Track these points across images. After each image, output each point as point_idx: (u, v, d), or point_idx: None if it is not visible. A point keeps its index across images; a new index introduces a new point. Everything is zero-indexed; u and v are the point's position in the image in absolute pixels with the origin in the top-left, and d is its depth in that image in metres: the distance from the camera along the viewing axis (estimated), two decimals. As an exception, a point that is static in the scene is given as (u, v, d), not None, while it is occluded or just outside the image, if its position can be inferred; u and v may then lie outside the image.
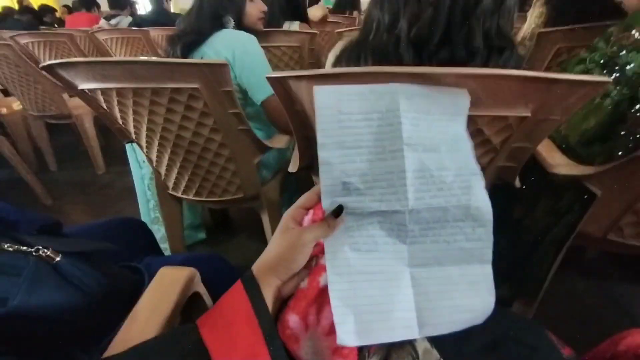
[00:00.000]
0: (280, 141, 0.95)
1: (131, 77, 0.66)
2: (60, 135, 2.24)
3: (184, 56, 0.91)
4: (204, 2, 0.93)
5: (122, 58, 0.64)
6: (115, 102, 0.73)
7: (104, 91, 0.71)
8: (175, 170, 0.89)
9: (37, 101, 1.82)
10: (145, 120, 0.75)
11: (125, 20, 2.99)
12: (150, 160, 0.91)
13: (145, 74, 0.66)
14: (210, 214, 1.44)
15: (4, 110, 1.90)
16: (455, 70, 0.35)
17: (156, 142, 0.81)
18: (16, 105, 1.93)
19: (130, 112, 0.74)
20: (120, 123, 0.83)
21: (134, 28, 2.47)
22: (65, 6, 4.20)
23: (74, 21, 2.93)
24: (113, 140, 2.19)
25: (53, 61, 0.66)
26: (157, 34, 2.43)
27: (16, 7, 3.53)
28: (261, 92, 0.91)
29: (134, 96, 0.69)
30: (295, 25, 1.44)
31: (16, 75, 1.72)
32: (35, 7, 3.44)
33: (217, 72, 0.66)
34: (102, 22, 2.91)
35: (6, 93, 1.99)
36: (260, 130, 1.05)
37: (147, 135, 0.80)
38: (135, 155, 1.07)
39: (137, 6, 3.46)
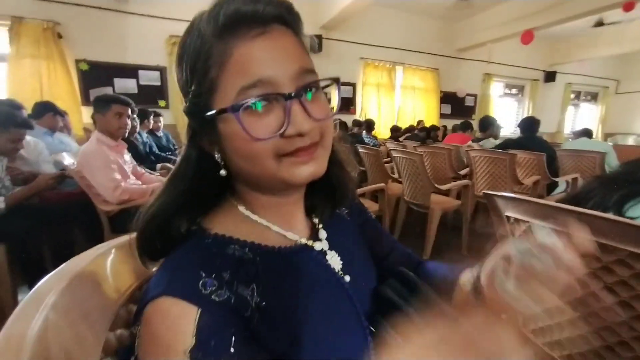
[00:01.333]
0: None
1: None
2: (409, 218, 2.86)
3: (620, 205, 0.83)
4: None
5: (579, 209, 0.67)
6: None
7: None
8: (557, 319, 0.79)
9: (413, 192, 2.47)
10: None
11: (490, 142, 3.43)
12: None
13: (594, 227, 0.65)
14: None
15: (389, 191, 2.76)
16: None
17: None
18: (398, 190, 2.73)
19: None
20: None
21: (499, 150, 2.75)
22: (444, 126, 5.63)
23: (450, 139, 3.80)
24: (445, 234, 2.52)
25: (492, 192, 0.82)
26: (522, 157, 2.57)
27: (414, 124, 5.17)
28: None
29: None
30: None
31: (411, 172, 2.45)
32: (427, 125, 4.87)
33: None
34: (471, 142, 3.53)
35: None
36: None
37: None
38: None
39: (500, 131, 3.89)
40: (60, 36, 3.72)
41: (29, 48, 3.60)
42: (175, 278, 0.32)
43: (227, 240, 0.36)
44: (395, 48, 5.63)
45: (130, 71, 4.12)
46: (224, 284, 0.32)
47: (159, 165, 2.71)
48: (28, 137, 2.10)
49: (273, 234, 0.39)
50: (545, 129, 6.63)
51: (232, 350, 0.29)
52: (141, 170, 2.14)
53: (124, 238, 0.46)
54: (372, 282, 0.47)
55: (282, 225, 0.40)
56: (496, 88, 6.97)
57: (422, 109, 6.15)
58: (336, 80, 0.38)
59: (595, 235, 0.64)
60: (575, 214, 0.65)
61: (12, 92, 3.59)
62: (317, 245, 0.41)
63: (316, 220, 0.45)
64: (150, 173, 2.27)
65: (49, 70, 3.70)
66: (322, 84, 0.37)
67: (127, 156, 1.98)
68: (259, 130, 0.31)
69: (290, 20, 0.35)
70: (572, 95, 7.94)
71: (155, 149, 3.25)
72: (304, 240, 0.40)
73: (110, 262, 0.40)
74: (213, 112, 0.33)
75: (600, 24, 5.35)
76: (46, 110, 2.45)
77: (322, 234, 0.43)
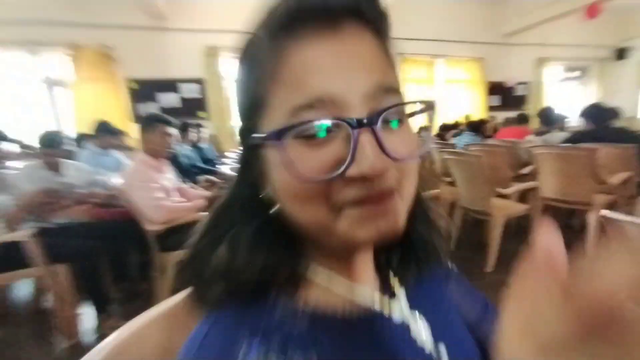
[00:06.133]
0: None
1: None
2: (466, 225, 2.58)
3: None
4: None
5: None
6: None
7: None
8: None
9: (472, 196, 2.21)
10: None
11: (557, 136, 3.00)
12: None
13: None
14: None
15: (444, 195, 2.51)
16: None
17: None
18: (452, 194, 2.47)
19: None
20: None
21: (568, 145, 2.38)
22: (492, 118, 5.15)
23: (505, 133, 3.42)
24: (509, 243, 2.23)
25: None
26: (606, 152, 2.17)
27: (463, 121, 4.77)
28: None
29: None
30: None
31: (467, 175, 2.20)
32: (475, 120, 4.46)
33: None
34: (531, 137, 3.13)
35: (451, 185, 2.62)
36: None
37: None
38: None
39: (566, 121, 3.42)
40: (113, 59, 4.01)
41: (89, 72, 3.94)
42: (206, 343, 0.26)
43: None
44: (435, 40, 5.28)
45: (172, 85, 4.32)
46: (271, 349, 0.25)
47: (201, 178, 2.74)
48: (70, 161, 2.21)
49: (334, 295, 0.29)
50: (617, 115, 5.78)
51: None
52: (185, 186, 2.15)
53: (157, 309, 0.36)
54: (472, 354, 0.35)
55: (345, 280, 0.30)
56: (553, 73, 6.25)
57: (468, 102, 5.70)
58: (431, 106, 0.27)
59: None
60: None
61: (78, 116, 3.95)
62: (395, 308, 0.31)
63: (391, 277, 0.34)
64: (192, 187, 2.29)
65: (107, 92, 4.02)
66: (409, 109, 0.27)
67: (170, 174, 1.99)
68: (310, 165, 0.23)
69: (370, 15, 0.25)
70: (651, 73, 6.85)
71: (199, 161, 3.32)
72: (375, 299, 0.30)
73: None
74: (258, 136, 0.26)
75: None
76: (99, 131, 2.60)
77: (399, 290, 0.33)
